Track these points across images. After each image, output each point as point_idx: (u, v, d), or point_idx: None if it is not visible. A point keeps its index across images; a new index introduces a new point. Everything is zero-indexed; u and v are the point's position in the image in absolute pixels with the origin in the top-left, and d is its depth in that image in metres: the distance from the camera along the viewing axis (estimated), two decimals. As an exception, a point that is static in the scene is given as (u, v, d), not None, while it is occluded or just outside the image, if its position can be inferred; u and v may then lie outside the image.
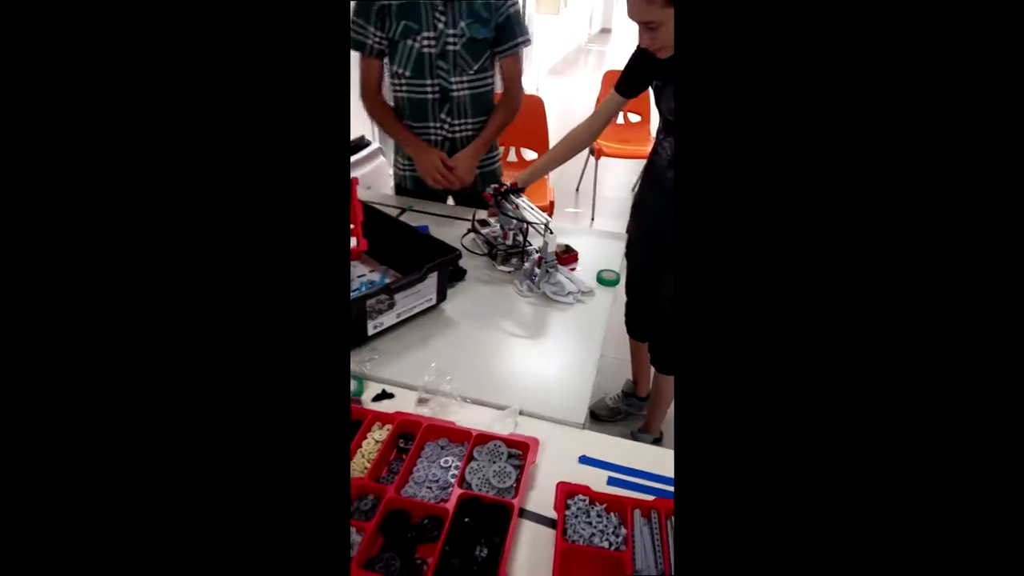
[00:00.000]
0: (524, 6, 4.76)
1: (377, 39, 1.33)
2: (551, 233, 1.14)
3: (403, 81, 1.37)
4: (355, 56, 1.36)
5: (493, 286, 1.20)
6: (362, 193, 1.51)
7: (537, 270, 1.16)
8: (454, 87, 1.35)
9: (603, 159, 2.94)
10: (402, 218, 1.42)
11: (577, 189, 3.39)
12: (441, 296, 1.08)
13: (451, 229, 1.38)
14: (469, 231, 1.31)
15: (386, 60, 1.38)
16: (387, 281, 0.98)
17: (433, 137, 1.42)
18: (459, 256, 1.07)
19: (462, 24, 1.29)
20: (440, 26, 1.28)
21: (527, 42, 1.39)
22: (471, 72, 1.36)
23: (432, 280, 1.03)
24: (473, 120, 1.42)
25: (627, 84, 1.24)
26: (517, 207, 1.23)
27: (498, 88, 1.47)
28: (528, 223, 1.19)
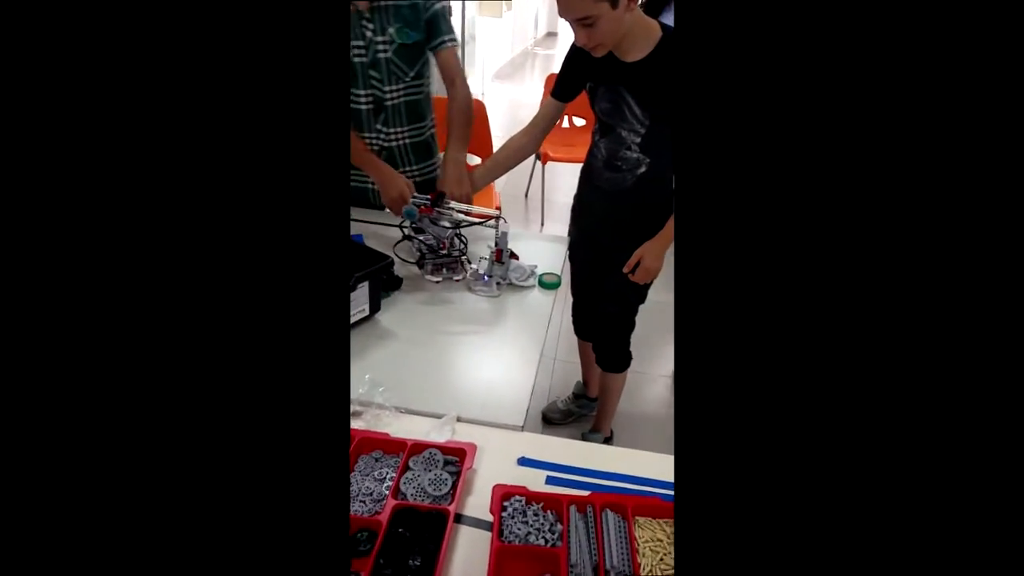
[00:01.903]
0: (464, 7, 4.71)
1: None
2: (504, 222, 1.15)
3: None
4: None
5: (430, 294, 1.19)
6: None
7: (495, 266, 1.18)
8: (387, 96, 1.34)
9: (550, 163, 2.97)
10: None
11: (526, 195, 3.42)
12: (375, 306, 1.06)
13: (387, 237, 1.36)
14: (404, 238, 1.29)
15: None
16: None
17: (370, 147, 1.40)
18: (391, 264, 1.06)
19: (390, 30, 1.26)
20: (368, 34, 1.26)
21: (453, 40, 1.37)
22: (407, 79, 1.33)
23: (364, 290, 1.01)
24: (409, 127, 1.41)
25: (562, 88, 1.26)
26: (457, 210, 1.22)
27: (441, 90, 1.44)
28: (479, 221, 1.19)
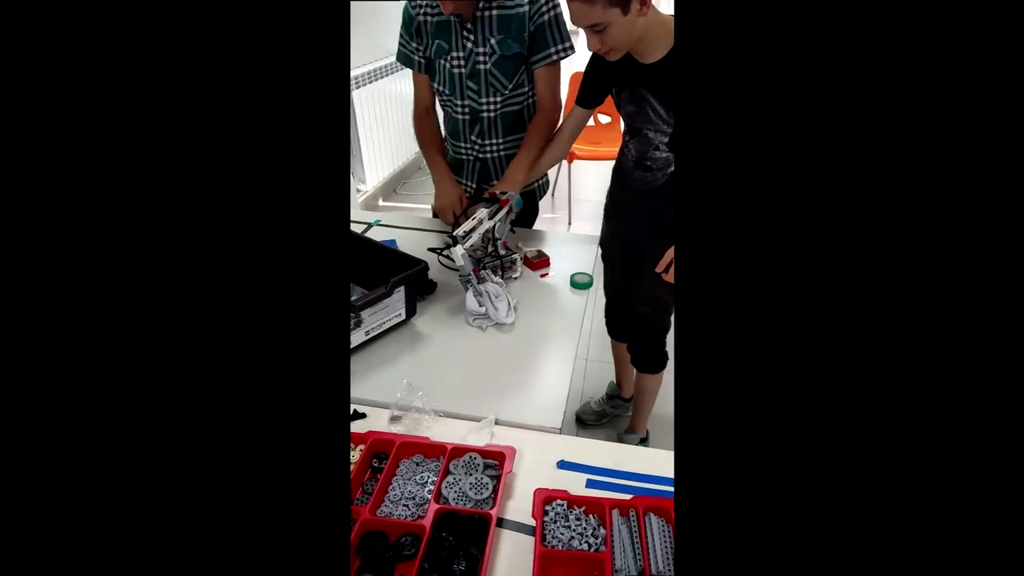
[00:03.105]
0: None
1: (420, 55, 1.31)
2: (463, 252, 1.09)
3: (444, 98, 1.34)
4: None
5: (464, 297, 1.19)
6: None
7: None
8: (483, 108, 1.30)
9: (576, 162, 2.96)
10: (368, 234, 1.41)
11: (552, 194, 3.41)
12: (410, 311, 1.07)
13: (422, 242, 1.37)
14: (439, 252, 1.25)
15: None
16: (353, 298, 0.97)
17: (465, 156, 1.40)
18: (426, 268, 1.06)
19: (492, 41, 1.23)
20: (469, 45, 1.23)
21: (565, 51, 1.27)
22: (505, 92, 1.29)
23: (400, 295, 1.02)
24: (504, 140, 1.37)
25: (586, 95, 1.25)
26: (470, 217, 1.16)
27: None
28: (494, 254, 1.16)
